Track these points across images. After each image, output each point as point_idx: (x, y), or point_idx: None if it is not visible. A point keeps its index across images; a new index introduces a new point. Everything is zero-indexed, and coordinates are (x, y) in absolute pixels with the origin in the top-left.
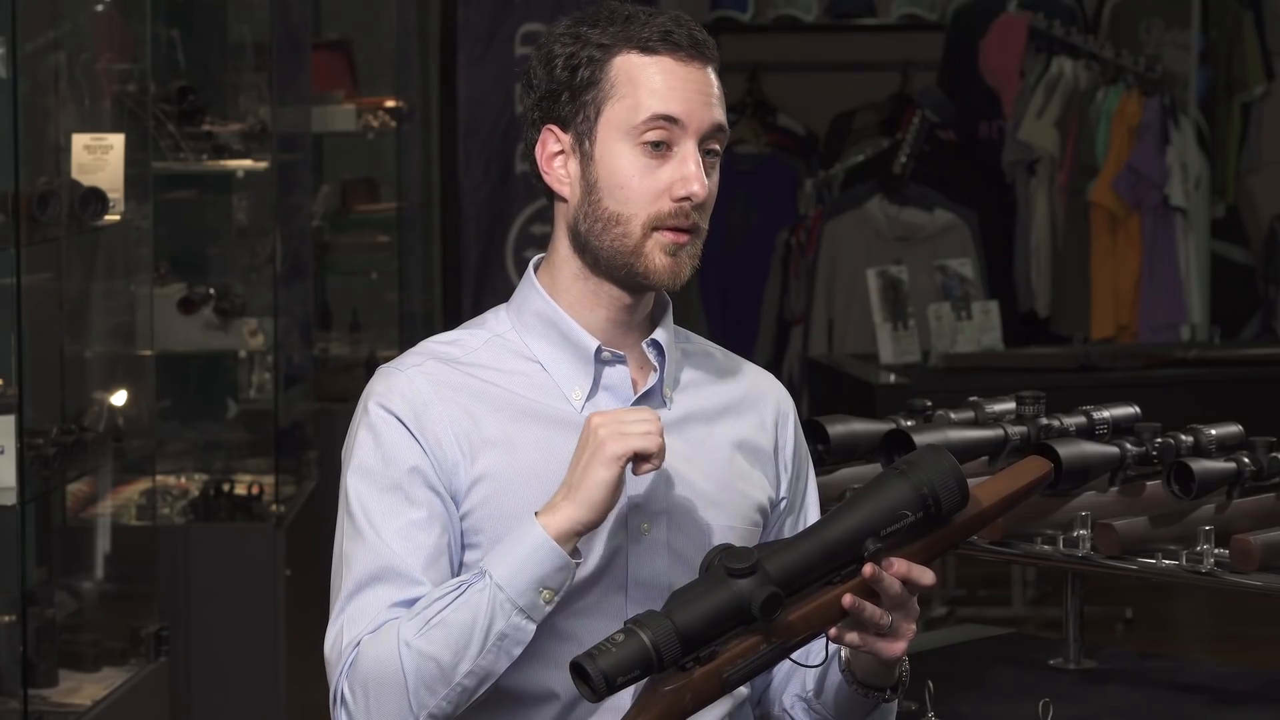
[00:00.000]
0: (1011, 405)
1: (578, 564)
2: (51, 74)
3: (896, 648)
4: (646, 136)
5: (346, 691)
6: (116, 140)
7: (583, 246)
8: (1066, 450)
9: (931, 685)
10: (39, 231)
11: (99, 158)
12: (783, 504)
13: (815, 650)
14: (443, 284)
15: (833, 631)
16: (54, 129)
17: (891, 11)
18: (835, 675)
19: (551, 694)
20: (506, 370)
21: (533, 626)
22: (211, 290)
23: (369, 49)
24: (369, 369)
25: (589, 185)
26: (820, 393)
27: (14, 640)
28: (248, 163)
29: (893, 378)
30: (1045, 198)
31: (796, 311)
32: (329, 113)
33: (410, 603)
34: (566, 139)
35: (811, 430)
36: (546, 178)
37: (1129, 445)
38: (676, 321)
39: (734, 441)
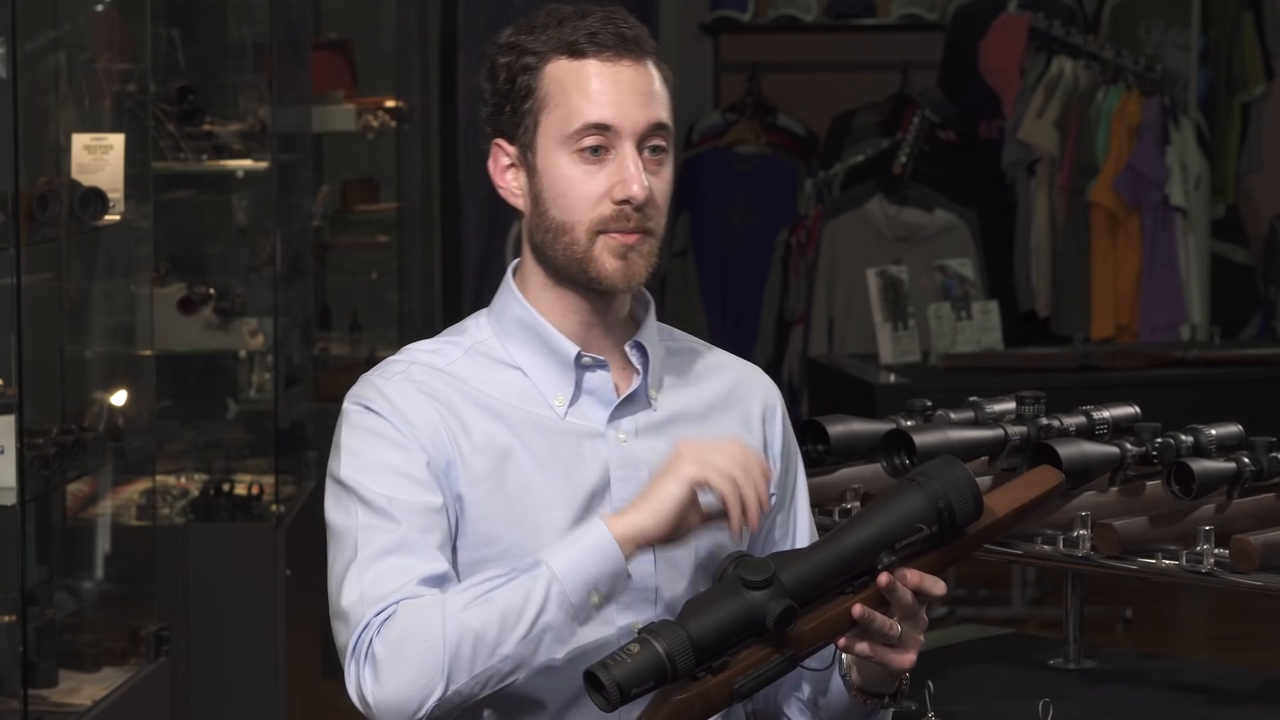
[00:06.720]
0: (1011, 405)
1: (628, 577)
2: (51, 74)
3: (906, 659)
4: (582, 144)
5: (379, 646)
6: (116, 140)
7: (542, 256)
8: (1066, 450)
9: (931, 685)
10: (39, 231)
11: (99, 158)
12: (773, 499)
13: (819, 654)
14: (443, 284)
15: (842, 641)
16: (54, 129)
17: (891, 11)
18: (838, 680)
19: (538, 703)
20: (488, 379)
21: (576, 628)
22: (211, 290)
23: (369, 49)
24: (369, 369)
25: (535, 196)
26: (820, 393)
27: (14, 640)
28: (248, 163)
29: (893, 378)
30: (1045, 198)
31: (796, 311)
32: (329, 113)
33: (435, 579)
34: (513, 151)
35: (811, 430)
36: (501, 191)
37: (1129, 445)
38: (676, 324)
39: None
